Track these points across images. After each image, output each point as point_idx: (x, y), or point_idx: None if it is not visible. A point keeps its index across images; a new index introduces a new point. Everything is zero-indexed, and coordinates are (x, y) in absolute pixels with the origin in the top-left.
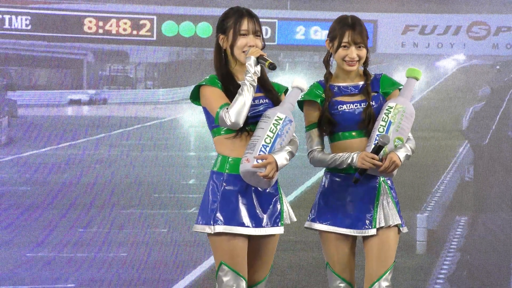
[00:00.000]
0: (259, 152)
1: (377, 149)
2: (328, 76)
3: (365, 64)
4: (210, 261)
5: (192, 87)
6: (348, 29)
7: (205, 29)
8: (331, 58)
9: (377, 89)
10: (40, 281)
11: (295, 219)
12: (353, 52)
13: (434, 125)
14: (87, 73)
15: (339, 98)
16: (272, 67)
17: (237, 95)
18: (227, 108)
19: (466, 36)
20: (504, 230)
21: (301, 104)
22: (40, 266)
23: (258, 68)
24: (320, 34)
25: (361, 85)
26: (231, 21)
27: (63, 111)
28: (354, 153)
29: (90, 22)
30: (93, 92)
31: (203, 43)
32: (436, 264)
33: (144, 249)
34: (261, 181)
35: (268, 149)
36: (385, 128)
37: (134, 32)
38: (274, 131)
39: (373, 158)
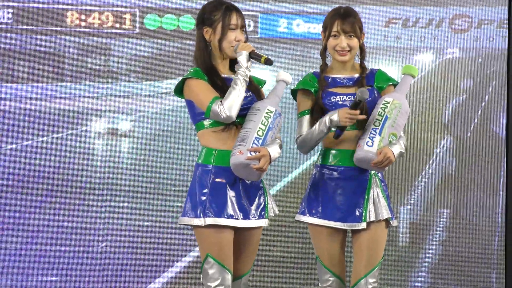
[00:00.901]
0: (252, 144)
1: (356, 105)
2: (324, 67)
3: (362, 56)
4: (193, 254)
5: (175, 80)
6: (338, 18)
7: (188, 22)
8: (327, 51)
9: (372, 83)
10: (22, 275)
11: (277, 212)
12: (343, 41)
13: (416, 118)
14: (69, 66)
15: (333, 89)
16: (269, 62)
17: (230, 89)
18: (220, 101)
19: (448, 29)
20: (487, 223)
21: (294, 93)
22: (21, 260)
23: (250, 63)
24: (303, 27)
25: (356, 78)
26: (219, 15)
27: (45, 104)
28: (330, 113)
29: (73, 15)
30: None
31: (185, 36)
32: (419, 257)
33: (126, 242)
34: (253, 173)
35: (260, 141)
36: (381, 123)
37: (117, 25)
38: (266, 124)
39: (354, 114)
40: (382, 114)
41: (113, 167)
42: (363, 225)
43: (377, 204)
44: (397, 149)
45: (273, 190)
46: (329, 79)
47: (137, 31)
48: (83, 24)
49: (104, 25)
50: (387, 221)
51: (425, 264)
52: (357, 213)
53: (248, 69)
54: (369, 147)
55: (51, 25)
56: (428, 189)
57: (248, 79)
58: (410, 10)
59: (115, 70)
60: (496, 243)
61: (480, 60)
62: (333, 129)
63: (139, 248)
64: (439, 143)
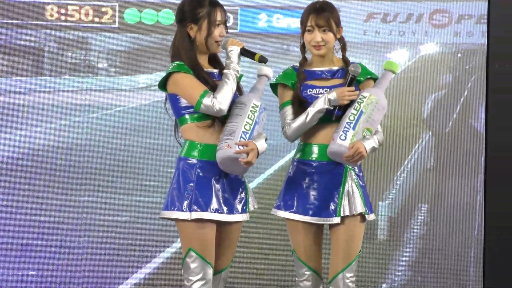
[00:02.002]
0: (240, 138)
1: (351, 81)
2: (303, 61)
3: (343, 50)
4: (173, 248)
5: (155, 74)
6: (313, 13)
7: (168, 17)
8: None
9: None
10: (1, 269)
11: (256, 206)
12: (317, 35)
13: (396, 113)
14: (48, 60)
15: (311, 82)
16: (264, 60)
17: (222, 83)
18: (213, 95)
19: (428, 24)
20: (465, 218)
21: (273, 87)
22: (0, 254)
23: (239, 59)
24: (282, 21)
25: (334, 70)
26: (204, 11)
27: (24, 98)
28: (326, 94)
29: (52, 9)
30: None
31: (165, 30)
32: (398, 252)
33: (106, 236)
34: (239, 167)
35: (247, 135)
36: (356, 117)
37: (96, 19)
38: (252, 118)
39: (352, 91)
40: (357, 109)
41: (93, 161)
42: (337, 219)
43: (351, 198)
44: (370, 144)
45: (252, 185)
46: (307, 73)
47: (116, 25)
48: (62, 18)
49: (83, 19)
50: (363, 215)
51: (404, 259)
52: (332, 208)
53: (238, 64)
54: (342, 141)
55: (31, 19)
56: (407, 184)
57: (239, 75)
58: (390, 5)
59: (95, 64)
60: (475, 238)
61: (459, 55)
62: (327, 107)
63: (119, 242)
64: (418, 138)
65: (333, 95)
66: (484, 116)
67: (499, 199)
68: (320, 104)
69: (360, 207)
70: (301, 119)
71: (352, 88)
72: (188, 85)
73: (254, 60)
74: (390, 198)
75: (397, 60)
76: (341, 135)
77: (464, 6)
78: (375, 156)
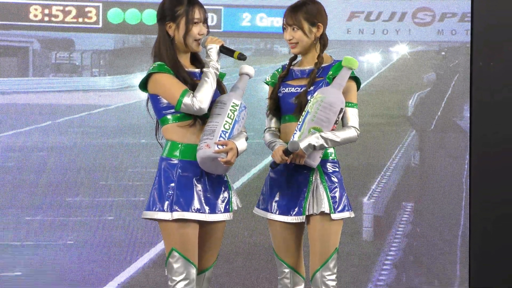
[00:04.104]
0: (219, 138)
1: (286, 152)
2: (291, 60)
3: (320, 49)
4: (157, 248)
5: (138, 74)
6: (286, 11)
7: (151, 17)
8: None
9: (325, 75)
10: None
11: (240, 205)
12: (288, 34)
13: (380, 111)
14: (32, 60)
15: (289, 82)
16: (242, 57)
17: (202, 81)
18: (192, 94)
19: (411, 22)
20: (450, 216)
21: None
22: None
23: (219, 57)
24: (266, 21)
25: (308, 70)
26: (181, 9)
27: (8, 99)
28: (279, 143)
29: (36, 9)
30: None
31: (149, 30)
32: (382, 250)
33: (90, 236)
34: (220, 166)
35: (227, 135)
36: (302, 118)
37: (80, 20)
38: (232, 117)
39: (281, 157)
40: (306, 110)
41: (76, 162)
42: (301, 218)
43: (318, 197)
44: (305, 142)
45: (237, 184)
46: (291, 71)
47: (100, 25)
48: (46, 18)
49: (67, 20)
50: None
51: (389, 257)
52: (298, 207)
53: (218, 62)
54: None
55: (14, 20)
56: (392, 183)
57: (218, 72)
58: (373, 4)
59: (78, 65)
60: (460, 237)
61: (443, 53)
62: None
63: (103, 243)
64: (402, 136)
65: (275, 148)
66: (468, 114)
67: (484, 197)
68: (272, 147)
69: (324, 206)
70: (267, 140)
71: (285, 158)
72: (168, 85)
73: (233, 57)
74: (374, 197)
75: (381, 57)
76: (291, 138)
77: (447, 4)
78: (359, 155)
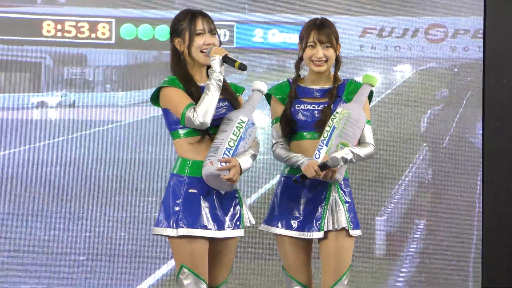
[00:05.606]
0: (223, 155)
1: (324, 166)
2: (296, 78)
3: (337, 67)
4: (170, 265)
5: (151, 90)
6: (314, 29)
7: (164, 32)
8: (302, 62)
9: (341, 94)
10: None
11: (254, 222)
12: (319, 51)
13: (393, 128)
14: (45, 76)
15: (301, 99)
16: (243, 67)
17: (203, 95)
18: (194, 108)
19: (424, 38)
20: (463, 233)
21: (268, 98)
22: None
23: (223, 67)
24: (278, 36)
25: (326, 89)
26: (185, 23)
27: (21, 114)
28: (306, 158)
29: (49, 25)
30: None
31: (161, 46)
32: (395, 267)
33: (103, 252)
34: (223, 184)
35: (231, 152)
36: (329, 134)
37: (93, 35)
38: (237, 134)
39: (316, 171)
40: (330, 125)
41: (89, 177)
42: (319, 234)
43: (335, 213)
44: (338, 154)
45: (250, 200)
46: (300, 89)
47: (113, 41)
48: (59, 34)
49: (80, 35)
50: (347, 230)
51: (402, 275)
52: (315, 222)
53: (221, 73)
54: (316, 159)
55: (28, 35)
56: (405, 199)
57: (221, 84)
58: (386, 20)
59: (91, 80)
60: (473, 254)
61: (455, 70)
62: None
63: (115, 258)
64: (415, 153)
65: (302, 164)
66: (481, 131)
67: (497, 213)
68: (294, 162)
69: (344, 222)
70: (283, 155)
71: (319, 172)
72: (174, 99)
73: (234, 67)
74: (387, 214)
75: (393, 74)
76: (316, 153)
77: (460, 21)
78: (372, 171)
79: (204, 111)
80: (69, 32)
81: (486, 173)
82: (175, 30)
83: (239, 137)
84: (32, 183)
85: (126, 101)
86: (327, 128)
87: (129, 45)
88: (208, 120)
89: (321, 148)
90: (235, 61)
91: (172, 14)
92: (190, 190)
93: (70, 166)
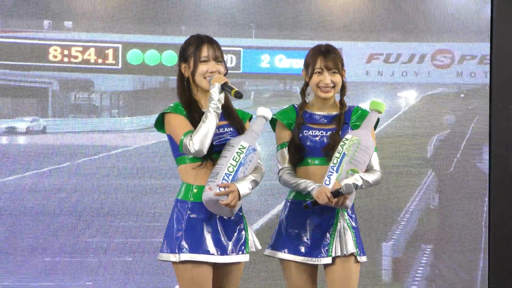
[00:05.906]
0: (222, 180)
1: (337, 193)
2: (302, 105)
3: (343, 93)
4: None
5: (157, 115)
6: (320, 55)
7: (170, 58)
8: (308, 88)
9: (348, 121)
10: None
11: (259, 247)
12: (326, 77)
13: (399, 153)
14: (52, 101)
15: (309, 124)
16: (239, 95)
17: (201, 123)
18: (190, 136)
19: (430, 64)
20: (469, 258)
21: (273, 123)
22: None
23: (222, 95)
24: (285, 62)
25: (333, 115)
26: (191, 49)
27: (28, 139)
28: (316, 184)
29: (55, 50)
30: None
31: (168, 71)
32: None
33: (109, 278)
34: (223, 209)
35: (230, 177)
36: (339, 160)
37: (100, 61)
38: (237, 160)
39: (329, 198)
40: (340, 152)
41: (95, 202)
42: (327, 260)
43: (343, 239)
44: (350, 181)
45: (256, 225)
46: (307, 114)
47: (119, 66)
48: (65, 59)
49: (86, 61)
50: (355, 256)
51: None
52: (323, 248)
53: (220, 101)
54: (326, 185)
55: (34, 61)
56: (411, 225)
57: (219, 112)
58: (392, 46)
59: (98, 105)
60: (480, 280)
61: (462, 95)
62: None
63: (121, 284)
64: (422, 178)
65: (313, 190)
66: (487, 157)
67: (504, 240)
68: (303, 189)
69: (351, 248)
70: (291, 181)
71: (332, 199)
72: (175, 126)
73: (231, 95)
74: (394, 239)
75: (399, 100)
76: (326, 179)
77: (466, 46)
78: (379, 197)
79: (201, 139)
80: (76, 57)
81: (492, 199)
82: (183, 55)
83: (238, 162)
84: (37, 209)
85: (132, 127)
86: (336, 155)
87: (136, 71)
88: (205, 148)
89: (331, 174)
90: (232, 89)
91: (178, 39)
92: (193, 215)
93: (76, 192)
